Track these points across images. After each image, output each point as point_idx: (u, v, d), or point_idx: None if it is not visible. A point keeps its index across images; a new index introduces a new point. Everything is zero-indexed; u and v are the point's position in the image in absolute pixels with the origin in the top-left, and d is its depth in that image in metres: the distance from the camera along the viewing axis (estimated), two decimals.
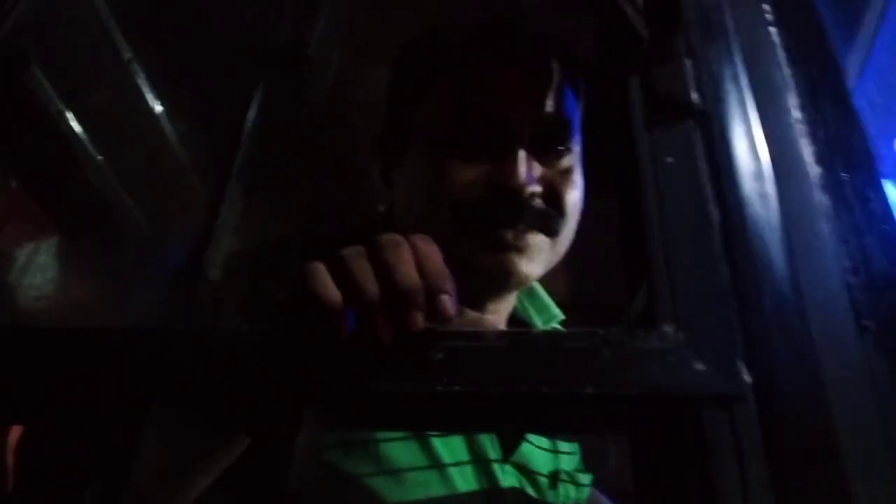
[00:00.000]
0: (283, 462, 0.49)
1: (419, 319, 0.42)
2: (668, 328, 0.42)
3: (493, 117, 0.68)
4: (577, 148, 0.72)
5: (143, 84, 1.15)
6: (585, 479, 0.79)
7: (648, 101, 0.51)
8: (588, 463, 0.83)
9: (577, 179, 0.71)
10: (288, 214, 0.59)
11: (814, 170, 0.50)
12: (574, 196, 0.70)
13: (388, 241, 0.44)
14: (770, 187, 0.48)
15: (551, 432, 0.71)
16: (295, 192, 0.60)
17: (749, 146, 0.50)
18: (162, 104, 1.16)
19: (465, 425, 0.53)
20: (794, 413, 0.40)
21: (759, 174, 0.48)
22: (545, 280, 0.79)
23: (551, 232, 0.69)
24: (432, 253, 0.44)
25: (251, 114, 0.59)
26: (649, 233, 0.46)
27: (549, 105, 0.68)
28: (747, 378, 0.40)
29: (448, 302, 0.43)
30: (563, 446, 0.77)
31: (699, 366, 0.40)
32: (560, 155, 0.70)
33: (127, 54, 1.17)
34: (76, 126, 1.14)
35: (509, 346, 0.42)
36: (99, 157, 1.16)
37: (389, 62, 0.80)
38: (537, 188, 0.67)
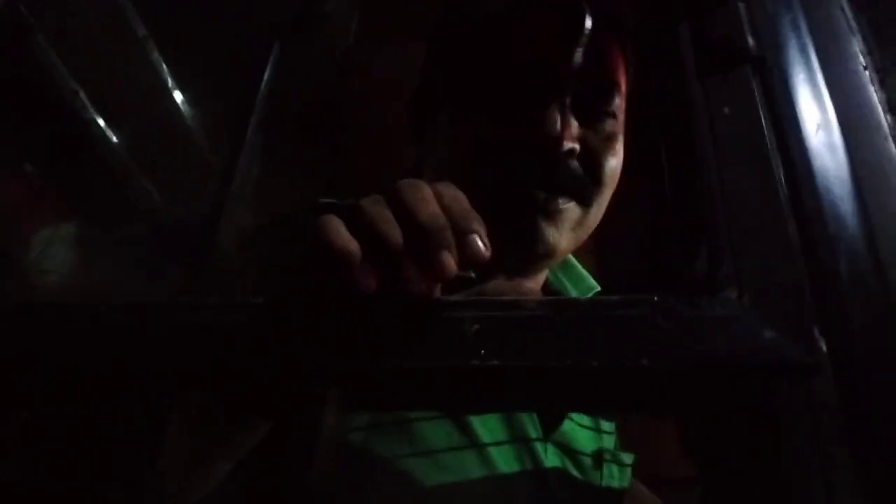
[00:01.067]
0: (307, 445, 0.46)
1: (449, 262, 0.37)
2: (731, 293, 0.37)
3: (531, 67, 0.64)
4: (620, 116, 0.68)
5: (157, 60, 1.12)
6: (628, 458, 0.75)
7: (701, 48, 0.47)
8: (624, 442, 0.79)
9: (618, 148, 0.67)
10: (304, 182, 0.56)
11: (885, 119, 0.45)
12: (612, 165, 0.66)
13: (407, 183, 0.40)
14: (837, 138, 0.43)
15: (601, 411, 0.67)
16: (311, 158, 0.57)
17: (813, 94, 0.45)
18: (176, 77, 1.13)
19: (504, 404, 0.49)
20: (877, 383, 0.36)
21: (825, 124, 0.44)
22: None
23: (584, 200, 0.64)
24: (457, 195, 0.40)
25: (266, 76, 0.55)
26: (707, 190, 0.41)
27: (592, 60, 0.64)
28: (823, 346, 0.36)
29: (479, 241, 0.38)
30: (605, 425, 0.73)
31: (768, 334, 0.36)
32: (602, 118, 0.66)
33: (141, 31, 1.14)
34: (90, 106, 1.11)
35: (553, 315, 0.38)
36: (114, 137, 1.13)
37: (414, 29, 0.76)
38: (574, 146, 0.63)
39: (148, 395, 0.44)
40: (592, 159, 0.65)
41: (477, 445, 0.58)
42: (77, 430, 0.47)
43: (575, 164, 0.63)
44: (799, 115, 0.44)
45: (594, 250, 0.76)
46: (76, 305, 0.44)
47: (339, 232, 0.38)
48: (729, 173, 0.42)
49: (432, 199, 0.40)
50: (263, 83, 0.56)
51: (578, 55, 0.63)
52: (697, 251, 0.43)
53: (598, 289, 0.79)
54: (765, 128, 0.44)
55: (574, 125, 0.63)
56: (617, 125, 0.68)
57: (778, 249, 0.39)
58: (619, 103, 0.68)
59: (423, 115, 0.72)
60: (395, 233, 0.38)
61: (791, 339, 0.36)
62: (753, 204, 0.41)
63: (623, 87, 0.69)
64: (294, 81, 0.59)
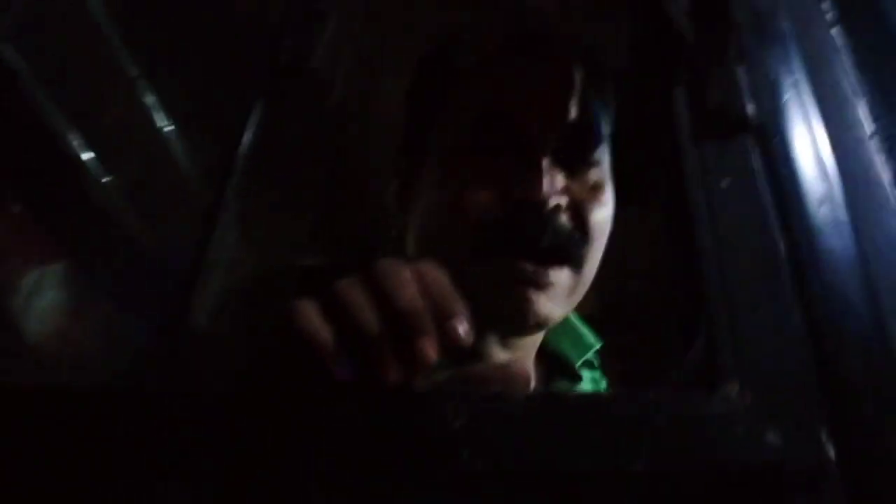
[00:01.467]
0: None
1: (429, 350, 0.36)
2: (731, 389, 0.35)
3: (514, 124, 0.61)
4: (605, 162, 0.65)
5: (149, 101, 1.10)
6: None
7: (697, 114, 0.45)
8: None
9: (606, 198, 0.64)
10: (287, 242, 0.54)
11: (892, 193, 0.43)
12: (601, 216, 0.63)
13: (385, 265, 0.39)
14: (843, 213, 0.41)
15: None
16: (294, 217, 0.54)
17: (816, 165, 0.43)
18: (169, 121, 1.12)
19: None
20: (891, 493, 0.33)
21: (829, 198, 0.42)
22: None
23: (575, 263, 0.61)
24: (438, 276, 0.38)
25: (247, 134, 0.53)
26: (704, 270, 0.39)
27: (574, 112, 0.62)
28: (831, 450, 0.33)
29: (462, 325, 0.36)
30: None
31: (771, 436, 0.33)
32: (587, 168, 0.63)
33: (133, 71, 1.13)
34: (81, 146, 1.10)
35: (543, 411, 0.35)
36: (105, 178, 1.12)
37: (402, 77, 0.74)
38: (561, 200, 0.60)
39: (119, 485, 0.42)
40: (580, 213, 0.62)
41: None
42: None
43: (562, 220, 0.60)
44: (802, 187, 0.42)
45: (596, 285, 0.73)
46: (42, 388, 0.41)
47: (312, 319, 0.37)
48: (727, 252, 0.40)
49: (411, 281, 0.38)
50: (245, 142, 0.54)
51: (569, 113, 0.61)
52: (696, 332, 0.41)
53: (598, 346, 0.76)
54: (765, 201, 0.41)
55: (560, 179, 0.61)
56: (602, 172, 0.65)
57: (781, 338, 0.36)
58: (603, 150, 0.66)
59: (404, 181, 0.70)
60: (371, 321, 0.36)
61: (796, 442, 0.33)
62: (754, 287, 0.38)
63: (606, 132, 0.66)
64: (278, 137, 0.56)
